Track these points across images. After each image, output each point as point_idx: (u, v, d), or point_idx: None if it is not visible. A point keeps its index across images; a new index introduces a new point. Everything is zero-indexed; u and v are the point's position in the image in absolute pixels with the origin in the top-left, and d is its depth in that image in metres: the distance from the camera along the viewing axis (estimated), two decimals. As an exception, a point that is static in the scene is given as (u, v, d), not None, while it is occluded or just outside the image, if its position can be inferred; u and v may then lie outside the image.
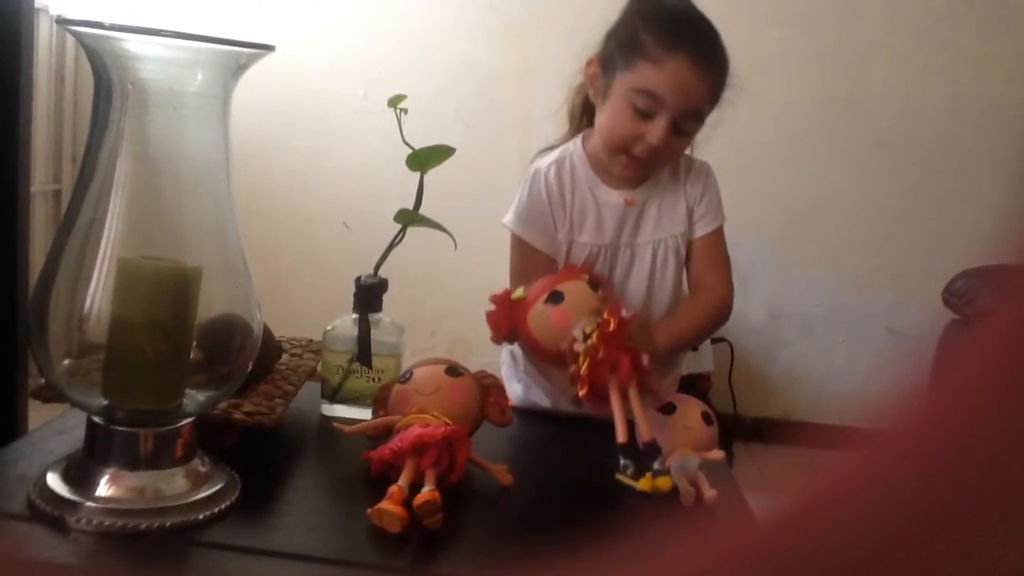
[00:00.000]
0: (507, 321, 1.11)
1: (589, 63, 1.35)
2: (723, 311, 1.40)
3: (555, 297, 1.09)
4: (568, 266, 1.28)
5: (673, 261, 1.39)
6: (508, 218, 1.38)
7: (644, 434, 0.99)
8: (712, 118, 1.33)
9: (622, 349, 1.01)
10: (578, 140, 1.41)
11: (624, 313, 1.04)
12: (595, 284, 1.14)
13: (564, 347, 1.07)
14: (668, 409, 1.07)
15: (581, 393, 1.01)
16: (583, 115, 1.43)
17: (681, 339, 1.39)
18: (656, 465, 0.99)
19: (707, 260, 1.40)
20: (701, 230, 1.39)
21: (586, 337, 1.03)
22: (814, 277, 3.08)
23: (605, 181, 1.38)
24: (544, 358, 1.11)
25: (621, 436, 0.98)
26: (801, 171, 3.03)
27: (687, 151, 1.40)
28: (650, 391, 1.04)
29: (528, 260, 1.36)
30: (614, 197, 1.37)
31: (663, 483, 0.97)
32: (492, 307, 1.13)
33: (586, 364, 1.00)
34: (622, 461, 0.97)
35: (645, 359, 1.03)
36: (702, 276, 1.40)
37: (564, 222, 1.37)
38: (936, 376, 0.32)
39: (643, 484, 0.97)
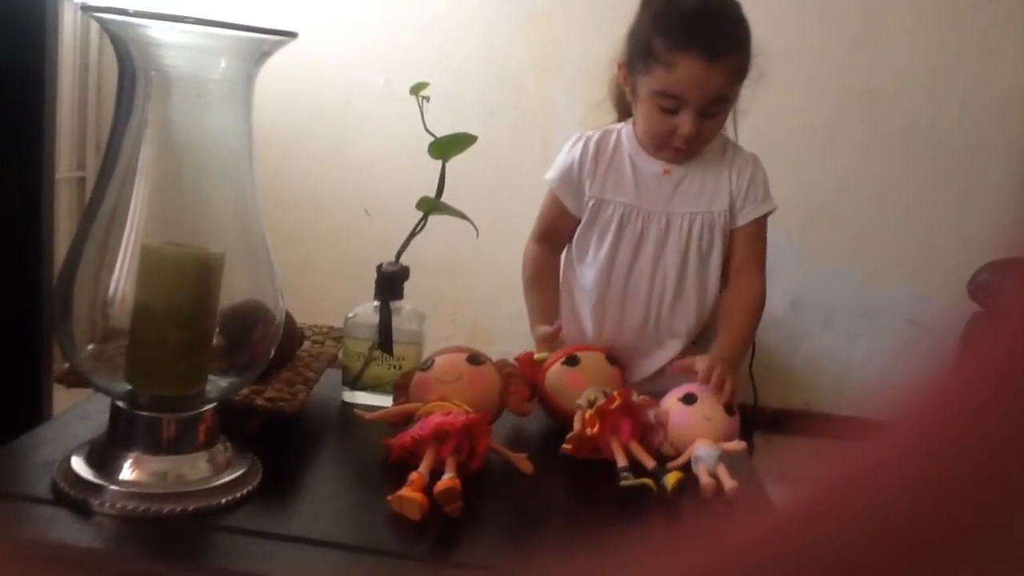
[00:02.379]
0: (528, 378, 1.15)
1: (619, 66, 1.44)
2: (761, 308, 1.46)
3: (571, 360, 1.15)
4: (594, 344, 1.32)
5: (708, 237, 1.42)
6: (550, 174, 1.49)
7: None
8: (746, 97, 1.41)
9: (627, 412, 1.03)
10: (628, 124, 1.48)
11: (635, 398, 1.05)
12: (612, 360, 1.19)
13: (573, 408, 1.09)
14: (689, 399, 1.07)
15: (566, 448, 1.02)
16: (624, 105, 1.50)
17: (744, 349, 1.45)
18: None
19: (745, 252, 1.46)
20: (744, 219, 1.43)
21: (590, 404, 1.05)
22: (836, 268, 3.06)
23: (649, 153, 1.44)
24: (557, 417, 1.14)
25: (621, 461, 0.99)
26: (822, 162, 3.01)
27: (734, 139, 1.49)
28: (655, 446, 1.05)
29: (552, 210, 1.49)
30: (653, 165, 1.44)
31: (672, 478, 0.96)
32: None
33: (577, 431, 1.02)
34: (621, 473, 0.97)
35: (653, 415, 1.05)
36: (738, 267, 1.45)
37: (597, 180, 1.45)
38: (958, 367, 0.32)
39: (648, 482, 0.95)
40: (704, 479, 0.97)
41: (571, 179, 1.46)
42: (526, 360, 1.17)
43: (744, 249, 1.45)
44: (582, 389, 1.09)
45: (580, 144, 1.47)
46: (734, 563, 0.34)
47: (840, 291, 3.07)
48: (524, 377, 1.15)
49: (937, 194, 2.98)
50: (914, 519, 0.30)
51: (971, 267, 2.56)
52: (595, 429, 1.01)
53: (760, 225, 1.45)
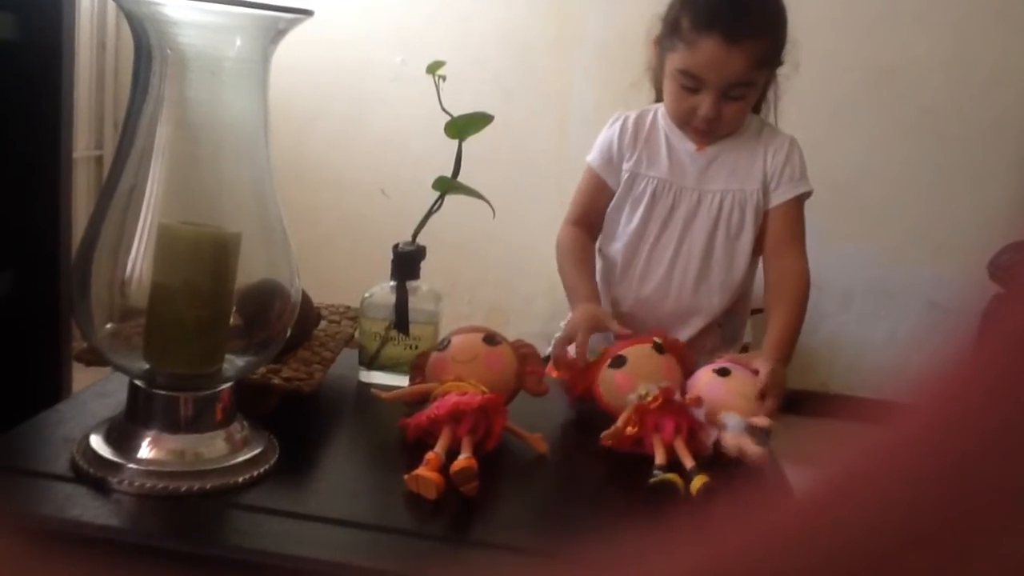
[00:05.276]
0: (581, 383, 1.12)
1: (653, 43, 1.45)
2: (807, 293, 1.45)
3: (618, 361, 1.10)
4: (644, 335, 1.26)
5: (739, 216, 1.42)
6: (590, 155, 1.52)
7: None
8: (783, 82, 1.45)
9: (668, 411, 0.99)
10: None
11: (676, 397, 1.01)
12: (661, 347, 1.13)
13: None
14: (723, 372, 1.07)
15: (605, 443, 1.00)
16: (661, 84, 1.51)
17: (795, 339, 1.41)
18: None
19: (782, 232, 1.45)
20: (779, 198, 1.44)
21: (640, 400, 1.01)
22: (855, 248, 3.04)
23: (683, 132, 1.46)
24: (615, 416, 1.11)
25: (660, 459, 0.95)
26: (844, 141, 2.98)
27: (772, 121, 1.50)
28: (702, 445, 1.00)
29: (590, 190, 1.52)
30: (687, 143, 1.46)
31: (698, 481, 0.91)
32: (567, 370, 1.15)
33: (618, 427, 1.00)
34: (653, 470, 0.93)
35: (701, 415, 1.00)
36: (776, 248, 1.44)
37: (634, 154, 1.47)
38: (977, 350, 0.31)
39: (675, 478, 0.92)
40: (727, 442, 0.97)
41: (611, 156, 1.49)
42: (578, 365, 1.14)
43: (781, 230, 1.45)
44: (631, 388, 1.05)
45: (619, 122, 1.50)
46: (748, 552, 0.34)
47: (859, 272, 3.05)
48: (576, 381, 1.13)
49: (958, 173, 2.95)
50: (933, 506, 0.30)
51: (992, 247, 2.54)
52: (635, 429, 0.99)
53: (797, 205, 1.45)
